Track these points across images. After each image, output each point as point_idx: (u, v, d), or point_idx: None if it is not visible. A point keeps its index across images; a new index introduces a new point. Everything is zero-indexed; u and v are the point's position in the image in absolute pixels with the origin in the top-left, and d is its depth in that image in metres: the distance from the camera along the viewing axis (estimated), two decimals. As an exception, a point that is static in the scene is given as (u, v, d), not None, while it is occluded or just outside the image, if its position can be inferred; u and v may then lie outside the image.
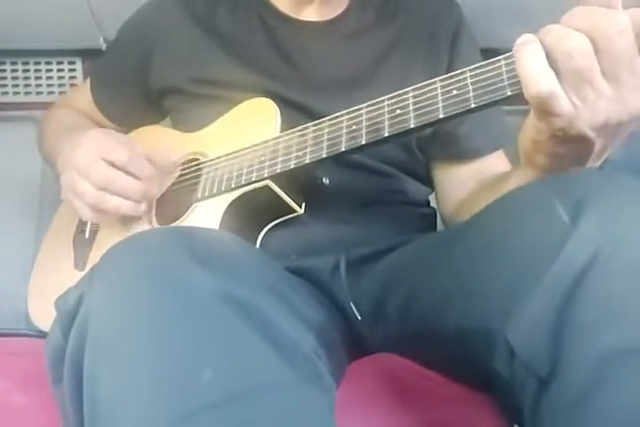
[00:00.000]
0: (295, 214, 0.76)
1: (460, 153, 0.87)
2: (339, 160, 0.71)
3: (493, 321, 0.52)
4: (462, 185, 0.87)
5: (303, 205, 0.77)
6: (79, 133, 0.81)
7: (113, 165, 0.74)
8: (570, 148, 0.56)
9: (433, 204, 0.94)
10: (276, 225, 0.77)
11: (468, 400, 0.61)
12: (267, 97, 0.81)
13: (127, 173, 0.75)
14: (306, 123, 0.73)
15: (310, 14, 0.89)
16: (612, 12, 0.49)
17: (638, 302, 0.46)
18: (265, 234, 0.76)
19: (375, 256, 0.76)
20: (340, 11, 0.90)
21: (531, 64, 0.51)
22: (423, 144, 0.87)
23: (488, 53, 0.68)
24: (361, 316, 0.72)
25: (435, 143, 0.87)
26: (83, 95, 1.02)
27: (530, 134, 0.58)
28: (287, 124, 0.76)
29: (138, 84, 0.94)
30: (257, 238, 0.76)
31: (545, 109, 0.52)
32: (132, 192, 0.75)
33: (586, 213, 0.49)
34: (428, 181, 0.93)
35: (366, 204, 0.83)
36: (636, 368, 0.45)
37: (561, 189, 0.53)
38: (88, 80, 1.03)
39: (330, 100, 0.82)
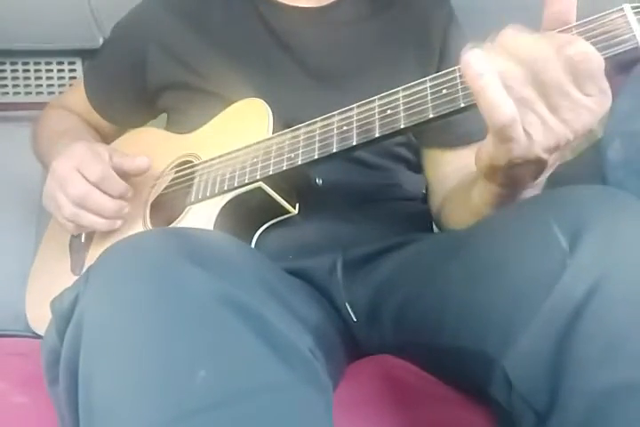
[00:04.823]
0: (289, 215, 0.76)
1: (453, 140, 0.86)
2: (332, 160, 0.71)
3: (490, 346, 0.52)
4: (450, 177, 0.86)
5: (297, 205, 0.77)
6: (67, 144, 0.82)
7: (88, 181, 0.75)
8: (525, 168, 0.56)
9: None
10: (270, 226, 0.77)
11: (467, 401, 0.60)
12: (264, 88, 0.81)
13: (101, 190, 0.76)
14: (303, 111, 0.73)
15: (305, 1, 0.89)
16: (543, 45, 0.50)
17: (637, 336, 0.46)
18: (259, 236, 0.76)
19: (372, 257, 0.75)
20: None
21: (494, 92, 0.51)
22: (418, 131, 0.86)
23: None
24: (356, 318, 0.72)
25: (429, 130, 0.85)
26: (77, 96, 1.02)
27: (488, 159, 0.57)
28: (285, 116, 0.76)
29: (133, 83, 0.95)
30: (251, 240, 0.76)
31: (507, 136, 0.52)
32: (105, 210, 0.76)
33: (584, 240, 0.49)
34: (423, 170, 0.93)
35: (361, 201, 0.83)
36: (635, 406, 0.45)
37: (559, 210, 0.53)
38: (82, 80, 1.03)
39: (326, 88, 0.83)
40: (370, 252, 0.76)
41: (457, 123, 0.82)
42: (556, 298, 0.48)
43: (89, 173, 0.75)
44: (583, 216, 0.51)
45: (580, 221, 0.51)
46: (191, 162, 0.83)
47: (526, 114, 0.51)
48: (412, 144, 0.89)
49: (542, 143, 0.52)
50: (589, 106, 0.51)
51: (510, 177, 0.58)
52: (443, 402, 0.62)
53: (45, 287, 0.88)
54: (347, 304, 0.73)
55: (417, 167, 0.91)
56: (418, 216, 0.89)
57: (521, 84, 0.50)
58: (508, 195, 0.63)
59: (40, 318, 0.85)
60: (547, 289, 0.49)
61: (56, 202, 0.77)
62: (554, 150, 0.53)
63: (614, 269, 0.48)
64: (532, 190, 0.63)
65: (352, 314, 0.72)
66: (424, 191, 0.94)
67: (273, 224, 0.77)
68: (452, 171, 0.86)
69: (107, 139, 1.00)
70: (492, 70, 0.50)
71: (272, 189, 0.73)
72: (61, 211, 0.77)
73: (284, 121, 0.76)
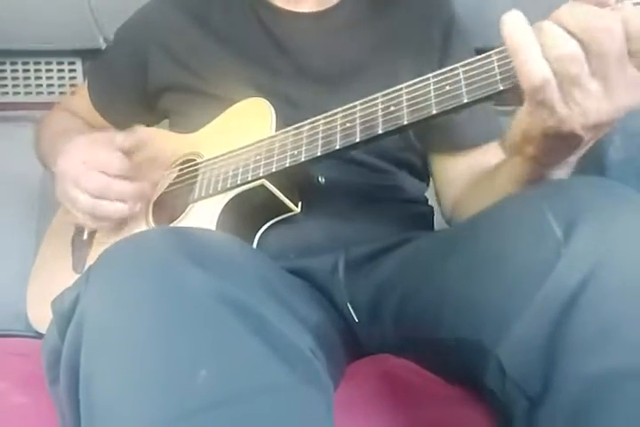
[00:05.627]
0: (292, 213, 0.76)
1: (458, 143, 0.86)
2: (334, 157, 0.71)
3: (485, 337, 0.52)
4: (459, 179, 0.86)
5: (299, 203, 0.77)
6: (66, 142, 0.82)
7: (104, 172, 0.75)
8: (559, 142, 0.55)
9: (431, 202, 0.94)
10: (272, 225, 0.77)
11: (467, 400, 0.61)
12: (264, 91, 0.81)
13: (119, 177, 0.76)
14: (303, 115, 0.73)
15: (305, 6, 0.89)
16: (604, 15, 0.48)
17: (631, 324, 0.46)
18: (262, 234, 0.76)
19: (374, 256, 0.75)
20: (334, 1, 0.90)
21: (528, 52, 0.49)
22: (422, 135, 0.86)
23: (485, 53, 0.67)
24: (358, 318, 0.72)
25: (433, 133, 0.87)
26: (80, 98, 1.03)
27: (521, 127, 0.56)
28: (284, 119, 0.76)
29: (135, 85, 0.95)
30: (254, 238, 0.76)
31: (539, 99, 0.51)
32: (128, 195, 0.76)
33: (578, 230, 0.49)
34: (426, 177, 0.93)
35: (363, 201, 0.82)
36: (628, 392, 0.45)
37: (554, 200, 0.53)
38: (86, 83, 1.03)
39: (325, 92, 0.82)
40: (371, 251, 0.76)
41: (464, 126, 0.83)
42: (550, 287, 0.49)
43: (106, 166, 0.75)
44: (578, 206, 0.51)
45: (575, 211, 0.51)
46: (194, 160, 0.83)
47: (570, 88, 0.49)
48: (416, 149, 0.89)
49: (583, 120, 0.51)
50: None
51: (542, 149, 0.57)
52: (443, 401, 0.62)
53: (47, 285, 0.88)
54: (348, 305, 0.73)
55: (420, 174, 0.91)
56: (419, 217, 0.89)
57: (574, 61, 0.48)
58: (536, 172, 0.62)
59: (41, 316, 0.85)
60: (541, 278, 0.49)
61: (70, 198, 0.77)
62: (592, 129, 0.52)
63: (608, 258, 0.48)
64: (561, 171, 0.61)
65: (354, 315, 0.72)
66: (425, 196, 0.94)
67: (275, 223, 0.77)
68: (462, 171, 0.86)
69: None
70: (528, 29, 0.49)
71: (275, 186, 0.73)
72: (78, 206, 0.76)
73: (284, 124, 0.76)
